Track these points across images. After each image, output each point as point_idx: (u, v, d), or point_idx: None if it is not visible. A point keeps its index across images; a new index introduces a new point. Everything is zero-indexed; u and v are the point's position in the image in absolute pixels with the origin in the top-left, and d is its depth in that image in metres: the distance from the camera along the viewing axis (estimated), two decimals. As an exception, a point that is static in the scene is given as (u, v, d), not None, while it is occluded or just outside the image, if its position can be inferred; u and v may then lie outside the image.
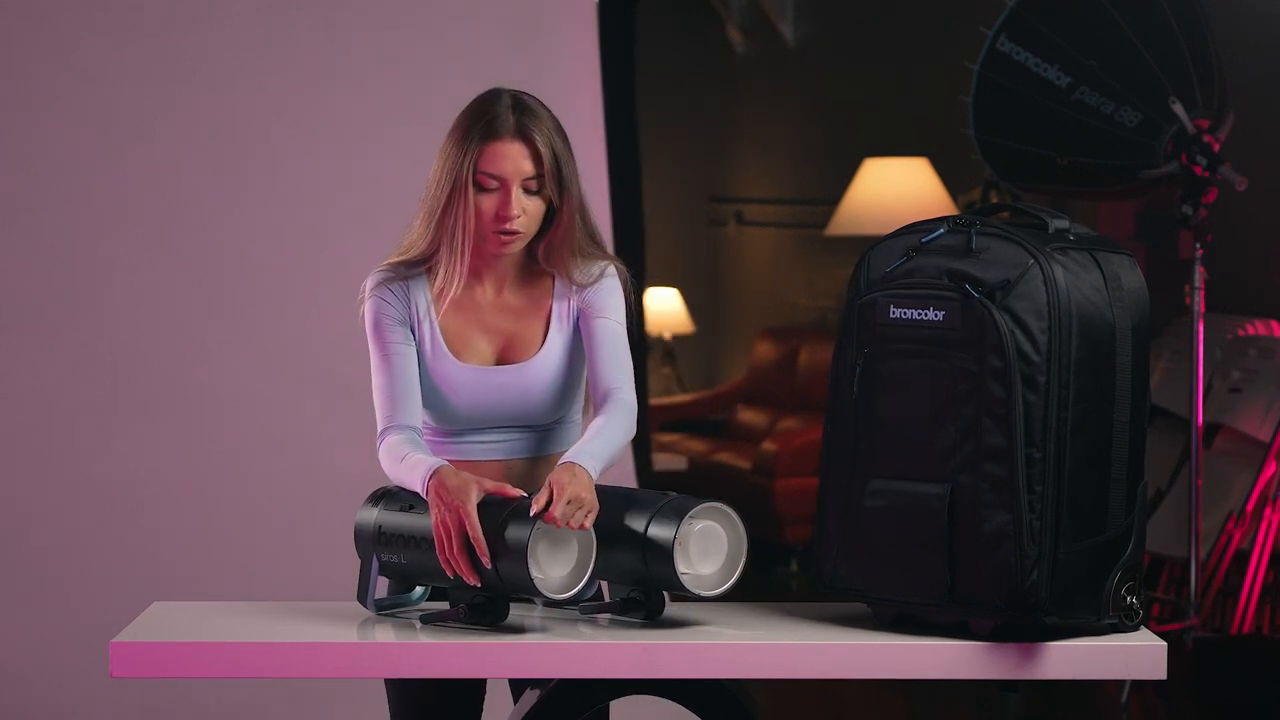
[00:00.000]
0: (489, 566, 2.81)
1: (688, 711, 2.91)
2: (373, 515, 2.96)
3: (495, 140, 2.97)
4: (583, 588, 2.85)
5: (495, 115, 2.98)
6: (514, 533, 2.80)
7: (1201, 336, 5.84)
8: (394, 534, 2.93)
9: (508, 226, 2.97)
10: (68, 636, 4.75)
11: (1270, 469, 6.20)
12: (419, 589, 3.02)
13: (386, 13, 5.06)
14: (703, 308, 9.44)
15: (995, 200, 7.02)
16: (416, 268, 3.03)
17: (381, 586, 3.00)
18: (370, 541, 2.95)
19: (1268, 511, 6.15)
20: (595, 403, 3.00)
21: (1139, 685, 5.76)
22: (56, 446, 4.85)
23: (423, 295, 3.03)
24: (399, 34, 5.06)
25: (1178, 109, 5.77)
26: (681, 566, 2.85)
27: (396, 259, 3.04)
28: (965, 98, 6.03)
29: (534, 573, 2.79)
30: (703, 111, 9.67)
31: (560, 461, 2.88)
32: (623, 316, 3.05)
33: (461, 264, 3.00)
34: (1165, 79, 5.79)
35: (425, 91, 4.99)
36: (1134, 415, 2.86)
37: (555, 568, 2.82)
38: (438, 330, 3.02)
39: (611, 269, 3.06)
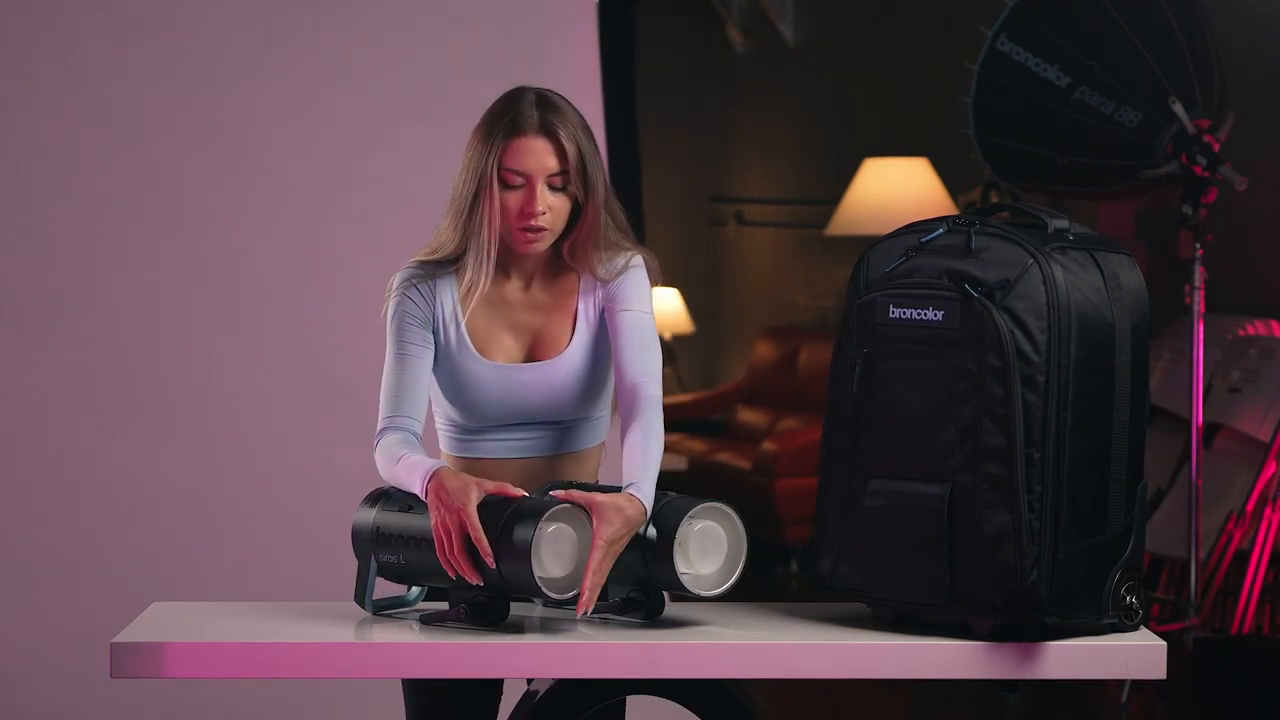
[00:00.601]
0: (493, 567, 2.81)
1: (688, 711, 2.91)
2: (370, 516, 2.96)
3: (519, 136, 2.95)
4: (583, 588, 2.84)
5: (519, 112, 2.96)
6: (518, 534, 2.80)
7: (1201, 336, 5.83)
8: (392, 534, 2.92)
9: (533, 223, 2.95)
10: (68, 636, 4.74)
11: (1270, 469, 6.20)
12: (415, 589, 3.02)
13: (386, 13, 5.05)
14: (703, 308, 9.43)
15: (995, 200, 7.01)
16: (445, 267, 3.01)
17: (381, 587, 3.00)
18: (368, 542, 2.95)
19: (1268, 511, 6.15)
20: (622, 397, 2.98)
21: (1139, 685, 5.76)
22: (56, 446, 4.84)
23: (449, 294, 3.01)
24: (399, 34, 5.05)
25: (1178, 109, 5.77)
26: (681, 566, 2.85)
27: (425, 257, 3.03)
28: (965, 98, 6.03)
29: (537, 573, 2.79)
30: (703, 111, 9.67)
31: (625, 489, 2.84)
32: (648, 307, 3.02)
33: (488, 262, 2.99)
34: (1165, 79, 5.79)
35: (425, 91, 4.98)
36: (1134, 415, 2.86)
37: (557, 568, 2.82)
38: (464, 328, 3.01)
39: (637, 259, 3.04)
